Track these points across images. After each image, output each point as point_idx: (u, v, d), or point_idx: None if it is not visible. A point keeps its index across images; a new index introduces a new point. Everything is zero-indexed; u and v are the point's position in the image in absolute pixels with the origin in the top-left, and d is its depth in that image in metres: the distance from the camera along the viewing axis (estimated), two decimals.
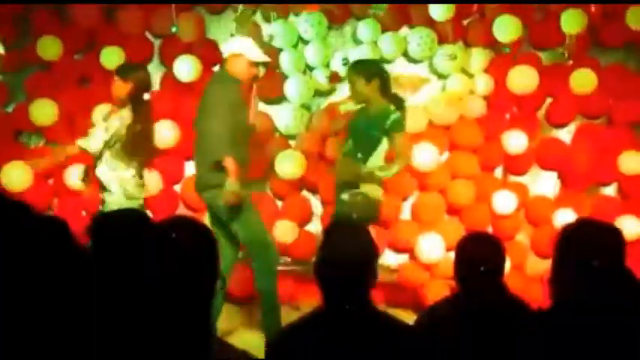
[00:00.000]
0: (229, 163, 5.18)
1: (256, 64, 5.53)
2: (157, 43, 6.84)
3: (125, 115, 5.28)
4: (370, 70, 5.40)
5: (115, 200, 5.21)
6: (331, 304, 2.67)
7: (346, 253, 2.69)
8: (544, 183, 6.71)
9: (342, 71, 6.51)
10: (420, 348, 2.69)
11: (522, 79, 6.38)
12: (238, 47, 5.46)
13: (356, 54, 6.44)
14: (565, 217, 5.87)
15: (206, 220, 5.38)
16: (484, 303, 3.15)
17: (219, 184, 5.21)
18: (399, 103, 5.39)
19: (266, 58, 5.61)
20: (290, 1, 6.64)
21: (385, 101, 5.35)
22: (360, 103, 5.44)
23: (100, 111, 6.09)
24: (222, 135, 5.20)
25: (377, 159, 5.27)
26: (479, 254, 3.21)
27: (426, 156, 6.23)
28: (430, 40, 6.59)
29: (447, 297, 3.47)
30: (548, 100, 6.71)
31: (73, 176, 6.12)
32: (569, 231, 2.95)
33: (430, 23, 6.60)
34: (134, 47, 6.65)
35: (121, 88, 5.33)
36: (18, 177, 6.06)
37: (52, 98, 6.46)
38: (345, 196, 5.24)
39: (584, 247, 2.86)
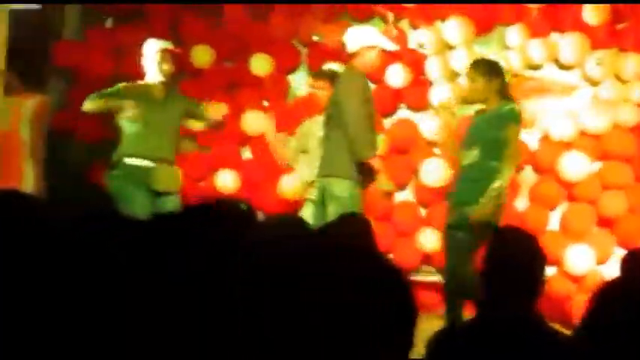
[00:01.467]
0: (375, 162, 5.24)
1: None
2: (303, 50, 6.94)
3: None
4: (493, 69, 5.27)
5: None
6: (495, 311, 2.61)
7: (518, 260, 2.64)
8: None
9: None
10: None
11: None
12: (369, 39, 5.41)
13: (502, 60, 6.33)
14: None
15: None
16: None
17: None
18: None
19: (396, 46, 5.60)
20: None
21: (502, 102, 5.22)
22: (475, 103, 5.30)
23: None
24: (365, 137, 5.22)
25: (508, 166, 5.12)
26: None
27: (575, 165, 6.04)
28: (581, 46, 6.39)
29: None
30: None
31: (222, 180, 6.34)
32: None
33: (582, 28, 6.41)
34: (282, 54, 6.78)
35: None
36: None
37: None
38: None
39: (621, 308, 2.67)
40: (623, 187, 6.29)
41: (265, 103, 6.80)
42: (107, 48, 6.99)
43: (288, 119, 6.54)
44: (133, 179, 5.48)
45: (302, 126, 5.99)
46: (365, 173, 5.32)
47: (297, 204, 6.12)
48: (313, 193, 5.59)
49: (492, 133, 5.14)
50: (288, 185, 6.43)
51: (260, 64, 6.68)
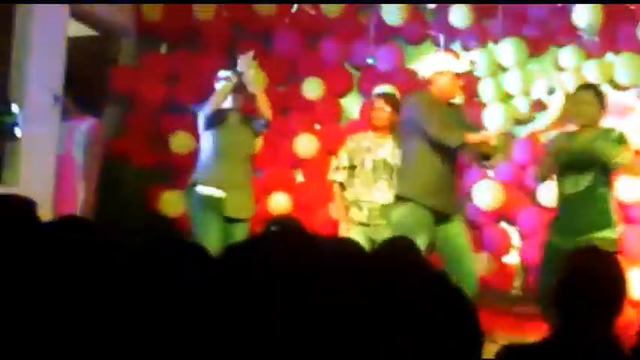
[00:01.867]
0: None
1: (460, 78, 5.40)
2: (356, 74, 6.96)
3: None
4: (605, 97, 5.19)
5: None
6: (570, 333, 2.55)
7: (599, 279, 2.59)
8: None
9: (544, 99, 6.36)
10: None
11: None
12: (442, 64, 5.36)
13: (557, 82, 6.27)
14: None
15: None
16: None
17: None
18: None
19: (469, 66, 5.55)
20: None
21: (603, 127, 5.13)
22: (577, 126, 5.15)
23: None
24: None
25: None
26: None
27: (630, 187, 5.94)
28: (637, 66, 6.30)
29: None
30: None
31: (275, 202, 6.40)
32: None
33: (637, 47, 6.32)
34: (334, 77, 6.81)
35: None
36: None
37: None
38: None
39: None
40: None
41: (317, 127, 6.83)
42: (161, 74, 7.10)
43: (341, 142, 6.55)
44: (208, 206, 5.49)
45: (352, 141, 5.85)
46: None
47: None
48: (361, 216, 5.56)
49: (605, 159, 4.98)
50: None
51: (312, 88, 6.72)
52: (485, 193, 6.17)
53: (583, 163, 5.01)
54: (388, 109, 5.58)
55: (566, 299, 2.58)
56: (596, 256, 2.72)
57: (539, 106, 6.47)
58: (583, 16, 6.24)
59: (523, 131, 6.57)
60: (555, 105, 6.39)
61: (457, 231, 5.31)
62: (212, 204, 5.43)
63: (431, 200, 5.18)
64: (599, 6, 6.22)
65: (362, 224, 5.56)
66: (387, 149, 5.61)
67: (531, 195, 6.39)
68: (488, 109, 6.47)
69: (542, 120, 6.43)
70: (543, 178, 5.34)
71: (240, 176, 5.57)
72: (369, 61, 6.84)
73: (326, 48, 6.88)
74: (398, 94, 5.81)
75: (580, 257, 2.72)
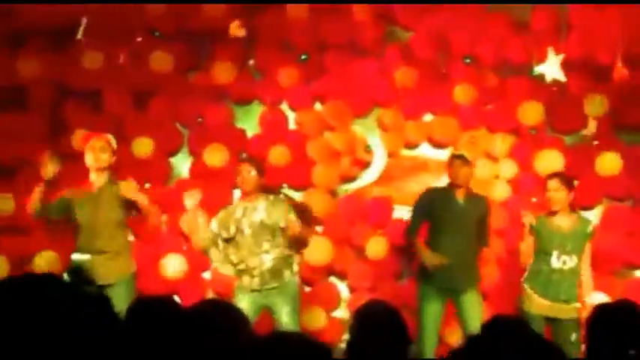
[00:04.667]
0: None
1: None
2: (185, 132, 6.95)
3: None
4: (572, 183, 5.62)
5: None
6: None
7: (379, 337, 2.71)
8: None
9: (368, 157, 6.67)
10: None
11: (548, 162, 6.44)
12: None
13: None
14: (596, 299, 5.83)
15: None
16: None
17: None
18: None
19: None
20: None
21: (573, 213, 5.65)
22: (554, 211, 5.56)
23: None
24: None
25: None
26: None
27: None
28: (453, 126, 6.70)
29: None
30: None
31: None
32: (601, 316, 2.89)
33: (453, 109, 6.73)
34: (164, 136, 6.79)
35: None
36: None
37: None
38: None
39: (619, 335, 2.79)
40: None
41: (147, 185, 6.75)
42: None
43: (170, 201, 6.52)
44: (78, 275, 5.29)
45: (223, 211, 5.79)
46: None
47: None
48: (253, 283, 5.53)
49: (583, 245, 5.56)
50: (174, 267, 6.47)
51: (141, 147, 6.66)
52: (315, 249, 6.28)
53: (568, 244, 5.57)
54: (253, 172, 5.59)
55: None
56: (383, 314, 2.89)
57: (363, 164, 6.73)
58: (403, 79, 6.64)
59: (349, 188, 6.80)
60: (378, 162, 6.71)
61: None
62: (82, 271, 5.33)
63: None
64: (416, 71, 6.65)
65: (253, 290, 5.50)
66: (260, 211, 5.58)
67: (358, 250, 6.60)
68: (317, 168, 6.64)
69: (367, 177, 6.72)
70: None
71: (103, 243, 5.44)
72: (199, 120, 6.87)
73: (155, 106, 6.85)
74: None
75: (364, 315, 2.90)
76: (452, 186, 5.69)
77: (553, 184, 5.53)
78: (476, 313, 5.59)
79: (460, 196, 5.65)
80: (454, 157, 5.69)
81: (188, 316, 2.71)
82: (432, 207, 5.67)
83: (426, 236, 5.73)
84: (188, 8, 6.82)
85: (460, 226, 5.60)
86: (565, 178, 5.60)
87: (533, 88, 6.72)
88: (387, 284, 6.55)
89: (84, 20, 6.86)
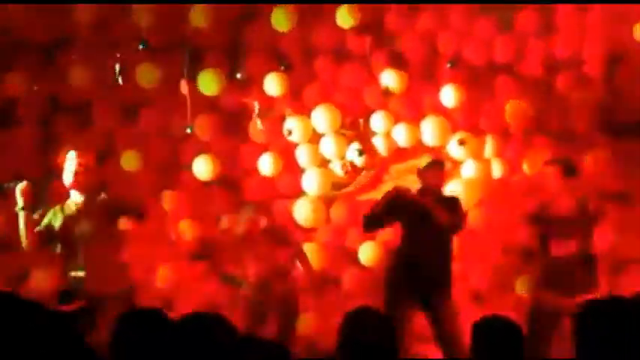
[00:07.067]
0: None
1: None
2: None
3: None
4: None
5: None
6: None
7: (368, 340, 2.72)
8: None
9: (359, 162, 6.65)
10: None
11: (537, 163, 6.47)
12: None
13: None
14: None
15: None
16: None
17: None
18: None
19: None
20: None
21: None
22: None
23: None
24: None
25: None
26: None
27: None
28: (443, 128, 6.71)
29: None
30: None
31: None
32: (590, 311, 2.91)
33: (442, 111, 6.74)
34: (154, 149, 6.79)
35: None
36: None
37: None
38: None
39: (608, 330, 2.81)
40: None
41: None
42: None
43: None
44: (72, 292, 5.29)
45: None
46: None
47: None
48: None
49: None
50: None
51: (131, 160, 6.67)
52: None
53: None
54: None
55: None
56: (372, 317, 2.91)
57: (353, 169, 6.73)
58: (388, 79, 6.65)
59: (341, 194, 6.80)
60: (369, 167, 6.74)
61: None
62: None
63: None
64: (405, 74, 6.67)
65: None
66: None
67: (352, 255, 6.61)
68: (307, 174, 6.65)
69: (357, 182, 6.73)
70: None
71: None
72: (188, 131, 6.85)
73: (145, 119, 6.84)
74: None
75: (353, 319, 2.91)
76: (424, 191, 5.67)
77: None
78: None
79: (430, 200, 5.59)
80: (434, 163, 5.70)
81: (176, 328, 2.72)
82: (402, 211, 5.63)
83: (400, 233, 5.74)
84: (176, 20, 6.81)
85: (432, 227, 5.54)
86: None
87: (521, 89, 6.74)
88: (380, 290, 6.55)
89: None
